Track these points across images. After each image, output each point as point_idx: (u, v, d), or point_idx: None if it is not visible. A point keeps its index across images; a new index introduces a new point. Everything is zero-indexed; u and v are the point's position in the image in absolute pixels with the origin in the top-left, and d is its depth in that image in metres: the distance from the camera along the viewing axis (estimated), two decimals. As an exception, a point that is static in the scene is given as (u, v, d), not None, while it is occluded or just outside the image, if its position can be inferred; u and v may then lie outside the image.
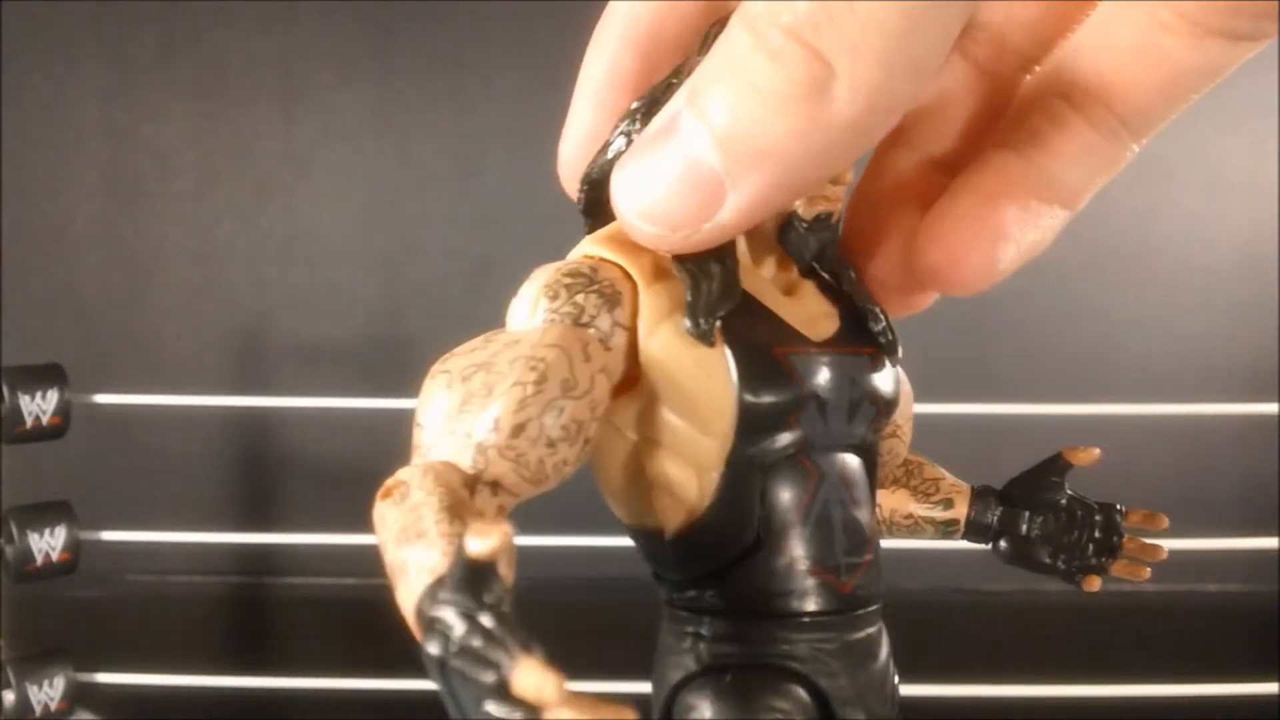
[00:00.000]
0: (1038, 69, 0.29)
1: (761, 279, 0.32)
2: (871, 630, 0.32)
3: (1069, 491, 0.40)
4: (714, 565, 0.31)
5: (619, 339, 0.30)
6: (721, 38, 0.22)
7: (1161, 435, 0.85)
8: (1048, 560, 0.39)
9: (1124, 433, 0.86)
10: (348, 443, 0.97)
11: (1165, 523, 0.39)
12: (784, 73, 0.20)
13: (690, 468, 0.31)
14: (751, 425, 0.30)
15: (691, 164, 0.22)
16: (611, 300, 0.30)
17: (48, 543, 0.73)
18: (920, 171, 0.31)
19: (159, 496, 0.98)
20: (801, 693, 0.31)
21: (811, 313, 0.32)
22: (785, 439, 0.31)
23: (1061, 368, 0.97)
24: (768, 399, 0.30)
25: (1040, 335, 0.98)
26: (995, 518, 0.40)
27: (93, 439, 0.80)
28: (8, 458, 0.73)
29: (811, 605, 0.31)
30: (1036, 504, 0.40)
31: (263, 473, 1.00)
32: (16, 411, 0.70)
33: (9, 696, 0.72)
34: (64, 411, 0.72)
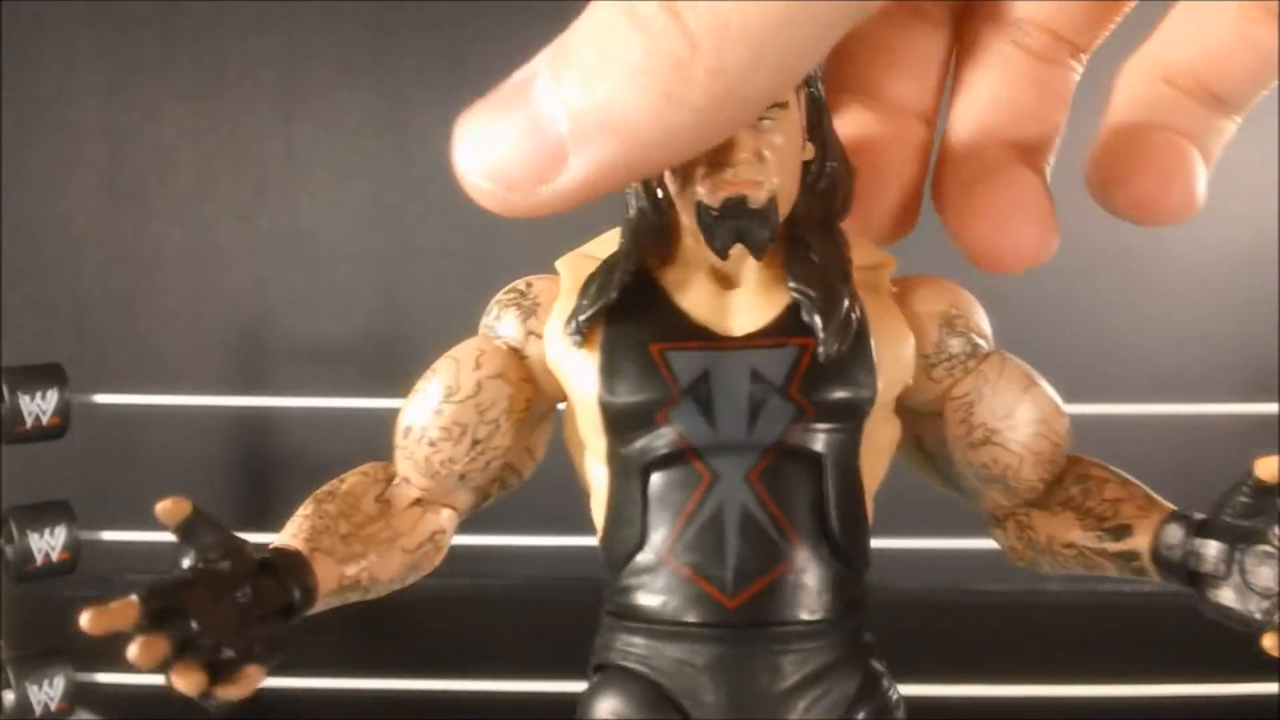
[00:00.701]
0: (1136, 57, 0.30)
1: (694, 271, 0.31)
2: (773, 650, 0.30)
3: None
4: (617, 566, 0.32)
5: (534, 347, 0.33)
6: (592, 2, 0.21)
7: (1161, 435, 0.85)
8: (1242, 609, 0.29)
9: (1124, 433, 0.86)
10: (347, 443, 0.97)
11: None
12: (648, 44, 0.20)
13: (598, 467, 0.32)
14: (616, 424, 0.31)
15: (538, 125, 0.21)
16: (528, 312, 0.33)
17: (47, 542, 0.72)
18: (1003, 153, 0.31)
19: (159, 496, 0.97)
20: (662, 705, 0.30)
21: (743, 304, 0.31)
22: (658, 438, 0.30)
23: (1061, 367, 0.97)
24: (623, 398, 0.30)
25: (1040, 335, 0.97)
26: (1185, 552, 0.30)
27: (92, 439, 0.80)
28: (8, 458, 0.73)
29: (683, 615, 0.30)
30: (1238, 534, 0.30)
31: (263, 473, 1.00)
32: (16, 411, 0.70)
33: (9, 696, 0.72)
34: (64, 411, 0.72)
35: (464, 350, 0.33)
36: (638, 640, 0.31)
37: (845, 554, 0.31)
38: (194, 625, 0.26)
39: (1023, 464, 0.33)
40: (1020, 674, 0.73)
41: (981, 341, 0.33)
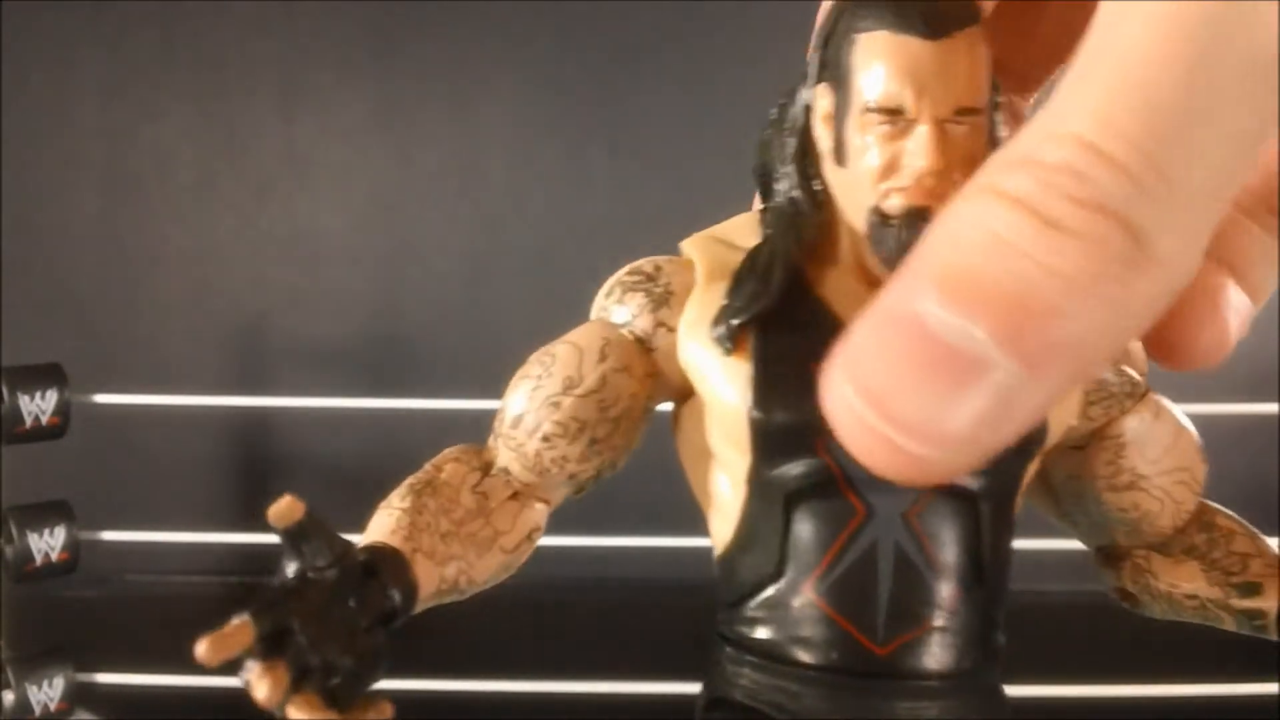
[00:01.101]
0: None
1: (852, 279, 0.29)
2: (921, 707, 0.28)
3: None
4: (742, 592, 0.30)
5: (663, 340, 0.30)
6: (951, 221, 0.18)
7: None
8: None
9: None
10: (347, 443, 0.97)
11: None
12: (1091, 250, 0.17)
13: (731, 482, 0.30)
14: (767, 445, 0.28)
15: (968, 369, 0.18)
16: (659, 300, 0.30)
17: (47, 542, 0.72)
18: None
19: (158, 496, 0.97)
20: None
21: None
22: (810, 465, 0.28)
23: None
24: (779, 418, 0.28)
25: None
26: None
27: (92, 439, 0.80)
28: (7, 458, 0.73)
29: (826, 659, 0.28)
30: None
31: (262, 473, 1.00)
32: (16, 411, 0.70)
33: (9, 697, 0.72)
34: (63, 411, 0.72)
35: (587, 337, 0.30)
36: (766, 680, 0.29)
37: (993, 600, 0.29)
38: (303, 641, 0.24)
39: (1163, 511, 0.32)
40: (1020, 674, 0.73)
41: (1140, 379, 0.32)
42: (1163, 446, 0.31)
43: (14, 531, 0.71)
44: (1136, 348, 0.32)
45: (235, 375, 1.00)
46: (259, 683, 0.23)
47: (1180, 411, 0.32)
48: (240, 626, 0.23)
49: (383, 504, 0.29)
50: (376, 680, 0.25)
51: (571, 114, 0.94)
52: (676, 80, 0.93)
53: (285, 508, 0.25)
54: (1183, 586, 0.32)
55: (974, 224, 0.18)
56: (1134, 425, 0.31)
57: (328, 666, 0.24)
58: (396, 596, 0.27)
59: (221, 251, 0.99)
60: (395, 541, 0.28)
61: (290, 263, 0.99)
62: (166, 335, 1.00)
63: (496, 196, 0.96)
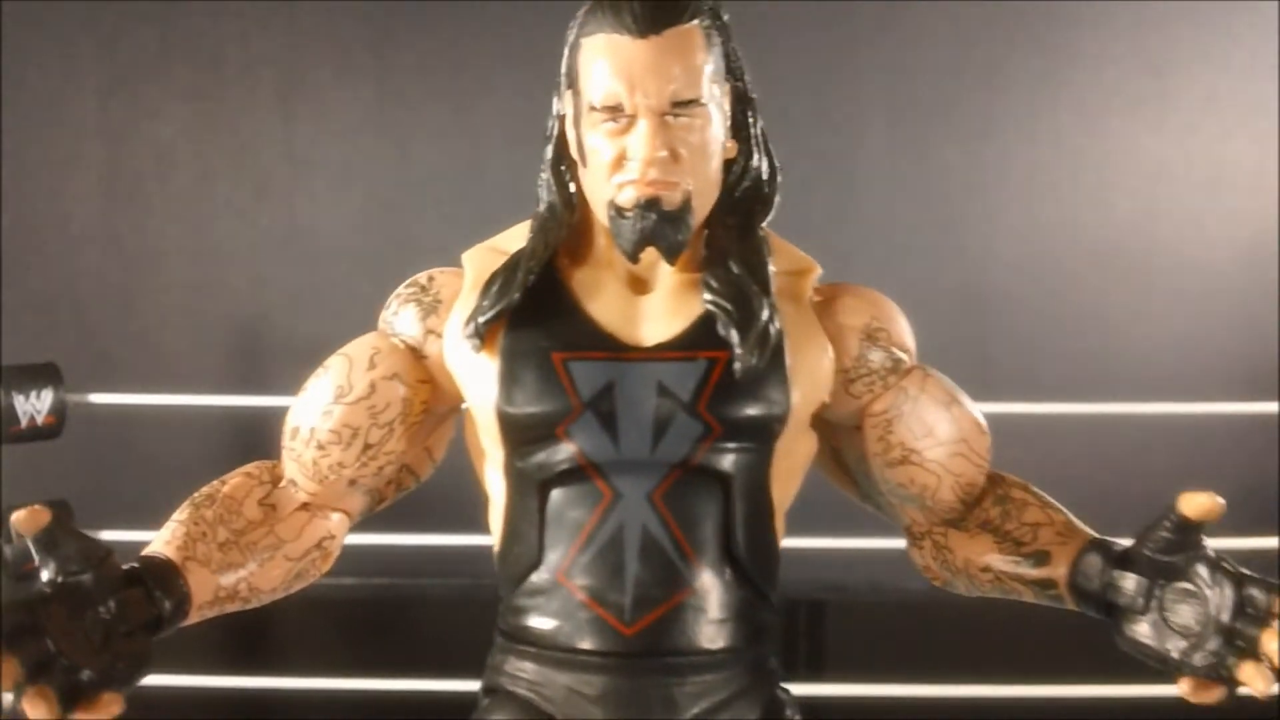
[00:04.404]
0: None
1: (606, 274, 0.28)
2: (671, 683, 0.27)
3: (1207, 553, 0.28)
4: (512, 583, 0.30)
5: (433, 347, 0.30)
6: None
7: (1161, 435, 0.85)
8: (1159, 646, 0.27)
9: (1124, 432, 0.86)
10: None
11: None
12: None
13: (497, 477, 0.31)
14: (515, 436, 0.28)
15: None
16: (428, 309, 0.30)
17: (46, 542, 0.72)
18: None
19: (158, 496, 0.97)
20: None
21: (654, 311, 0.28)
22: (558, 453, 0.28)
23: (1062, 367, 0.97)
24: (524, 409, 0.28)
25: (1041, 335, 0.97)
26: (1103, 583, 0.28)
27: (89, 438, 0.80)
28: (6, 458, 0.73)
29: (576, 642, 0.27)
30: (1159, 569, 0.27)
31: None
32: (11, 411, 0.70)
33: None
34: (59, 411, 0.72)
35: (358, 348, 0.30)
36: (528, 665, 0.28)
37: (751, 579, 0.29)
38: (50, 646, 0.24)
39: (941, 485, 0.31)
40: (1019, 674, 0.73)
41: (903, 355, 0.31)
42: (930, 420, 0.31)
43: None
44: (901, 326, 0.33)
45: (234, 375, 1.00)
46: None
47: (955, 386, 0.32)
48: None
49: (173, 517, 0.31)
50: (133, 682, 0.27)
51: (571, 114, 0.94)
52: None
53: (28, 516, 0.26)
54: (977, 560, 0.32)
55: None
56: (898, 401, 0.31)
57: (73, 670, 0.25)
58: (165, 603, 0.27)
59: (221, 251, 1.00)
60: (168, 551, 0.29)
61: (290, 263, 0.99)
62: (165, 334, 1.00)
63: (496, 196, 0.96)
